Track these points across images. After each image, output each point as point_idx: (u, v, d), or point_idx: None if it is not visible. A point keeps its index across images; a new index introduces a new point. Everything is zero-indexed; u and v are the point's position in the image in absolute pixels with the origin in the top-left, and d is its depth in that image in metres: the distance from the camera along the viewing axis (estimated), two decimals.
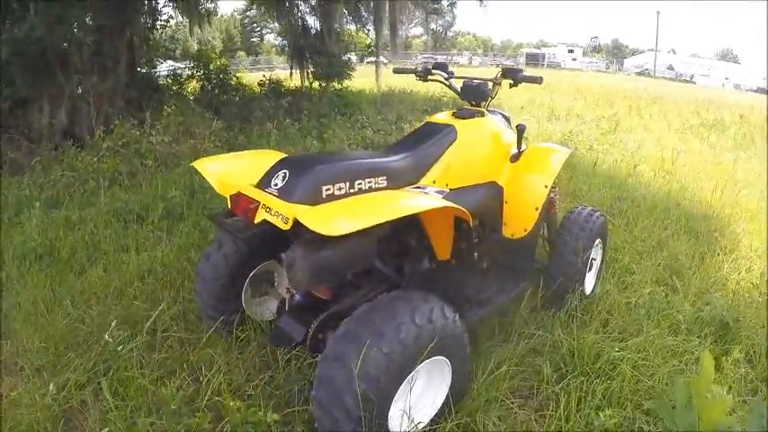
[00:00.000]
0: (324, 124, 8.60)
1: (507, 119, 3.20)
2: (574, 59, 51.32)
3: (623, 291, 3.41)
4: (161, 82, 11.70)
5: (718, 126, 11.96)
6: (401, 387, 1.88)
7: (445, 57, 51.87)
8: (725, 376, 2.52)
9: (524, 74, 2.94)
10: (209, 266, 2.62)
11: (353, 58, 16.31)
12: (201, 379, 2.28)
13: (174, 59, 18.37)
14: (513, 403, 2.33)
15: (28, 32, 5.92)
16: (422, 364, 1.91)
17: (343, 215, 1.84)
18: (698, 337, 2.88)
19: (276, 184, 2.00)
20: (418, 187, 2.39)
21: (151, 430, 1.97)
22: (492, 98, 3.02)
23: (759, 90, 38.48)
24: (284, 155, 2.32)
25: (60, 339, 2.70)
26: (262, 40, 48.84)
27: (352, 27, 14.86)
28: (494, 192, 2.87)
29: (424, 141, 2.55)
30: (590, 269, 3.32)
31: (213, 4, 13.70)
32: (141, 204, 4.70)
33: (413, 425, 1.98)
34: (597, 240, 3.31)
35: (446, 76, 3.16)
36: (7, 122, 7.09)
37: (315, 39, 12.26)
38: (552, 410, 2.29)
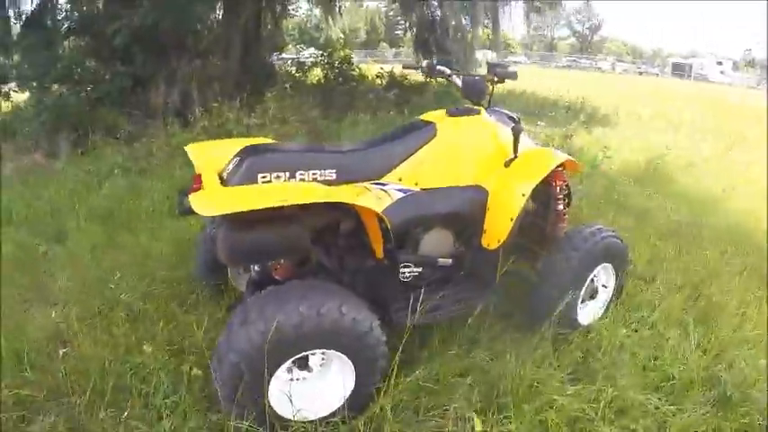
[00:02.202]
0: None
1: (514, 120, 3.06)
2: (722, 72, 46.44)
3: (625, 327, 3.05)
4: (287, 69, 12.70)
5: None
6: (282, 370, 2.03)
7: (589, 61, 49.89)
8: None
9: (503, 69, 2.86)
10: (201, 238, 3.05)
11: (489, 55, 16.36)
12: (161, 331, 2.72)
13: (317, 47, 19.53)
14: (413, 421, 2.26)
15: (142, 19, 6.87)
16: (304, 353, 2.05)
17: (229, 199, 2.00)
18: (684, 402, 2.49)
19: (228, 170, 2.28)
20: (379, 183, 2.47)
21: (100, 366, 2.41)
22: (490, 95, 2.94)
23: None
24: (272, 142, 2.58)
25: (85, 283, 3.30)
26: (405, 32, 50.10)
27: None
28: (476, 196, 2.75)
29: (399, 138, 2.64)
30: (592, 296, 3.12)
31: None
32: None
33: (295, 411, 2.08)
34: (602, 264, 3.02)
35: (449, 72, 3.10)
36: (129, 99, 8.22)
37: (442, 34, 12.60)
38: None
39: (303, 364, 2.16)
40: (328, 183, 2.34)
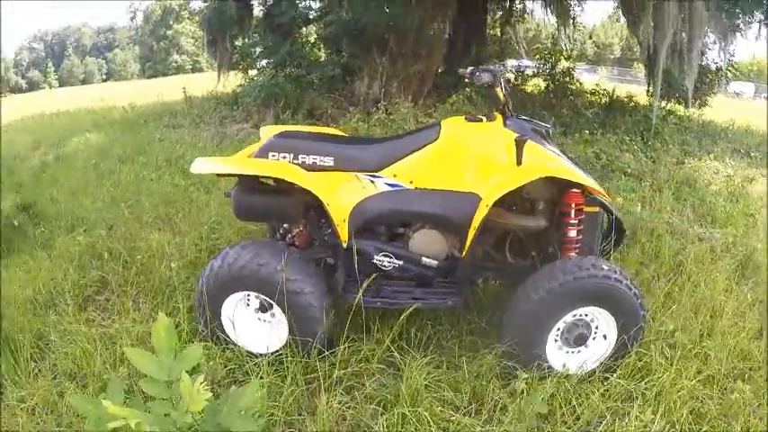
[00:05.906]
0: (590, 141, 8.58)
1: (541, 133, 2.99)
2: None
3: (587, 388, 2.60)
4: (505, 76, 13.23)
5: None
6: (232, 300, 2.74)
7: None
8: None
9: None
10: None
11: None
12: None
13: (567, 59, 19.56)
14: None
15: (347, 15, 8.16)
16: (241, 293, 2.72)
17: (210, 164, 2.77)
18: None
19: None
20: (373, 175, 2.83)
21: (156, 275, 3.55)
22: (504, 103, 2.92)
23: None
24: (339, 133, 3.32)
25: (199, 223, 4.49)
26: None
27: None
28: (465, 203, 2.78)
29: (406, 136, 3.01)
30: (579, 343, 2.76)
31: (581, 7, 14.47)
32: None
33: (237, 336, 2.78)
34: (591, 308, 2.69)
35: (488, 81, 2.95)
36: (336, 86, 9.64)
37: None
38: None
39: (264, 309, 2.80)
40: (325, 168, 2.81)
